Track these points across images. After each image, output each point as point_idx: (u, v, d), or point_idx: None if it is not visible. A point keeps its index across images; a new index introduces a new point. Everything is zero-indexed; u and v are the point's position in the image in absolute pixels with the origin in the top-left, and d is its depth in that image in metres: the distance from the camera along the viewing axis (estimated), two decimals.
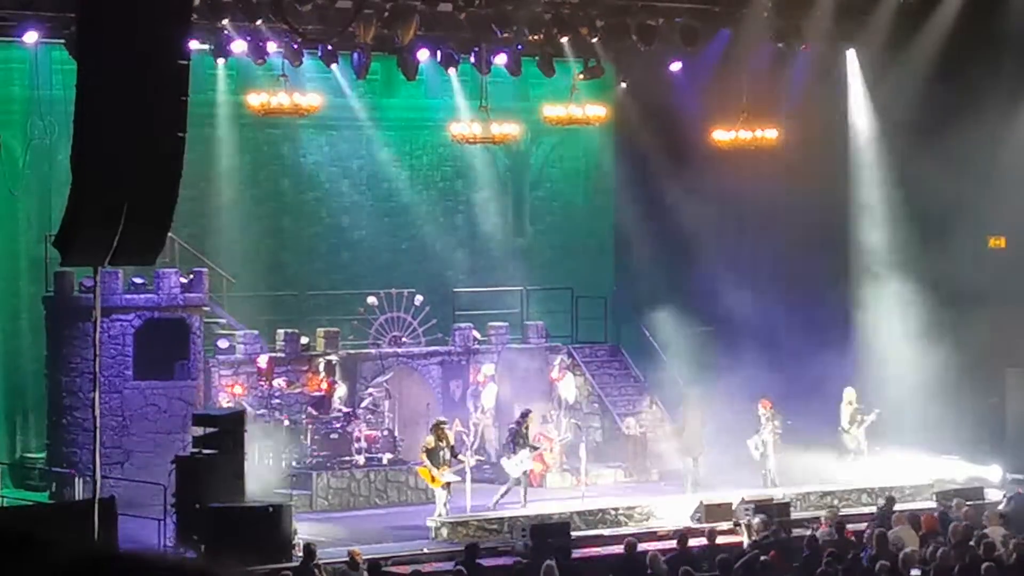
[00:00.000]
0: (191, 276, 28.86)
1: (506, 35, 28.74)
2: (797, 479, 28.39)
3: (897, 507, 24.88)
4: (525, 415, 27.42)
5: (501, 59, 29.42)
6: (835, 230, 32.35)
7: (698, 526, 24.77)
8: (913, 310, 30.49)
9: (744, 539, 23.50)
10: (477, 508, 25.53)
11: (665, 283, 32.79)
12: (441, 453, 25.36)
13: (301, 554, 21.57)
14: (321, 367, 29.26)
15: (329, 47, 27.75)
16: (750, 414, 28.96)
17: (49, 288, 28.52)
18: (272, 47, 27.56)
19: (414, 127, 34.36)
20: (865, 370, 30.74)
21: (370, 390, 29.45)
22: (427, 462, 25.29)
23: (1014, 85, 30.07)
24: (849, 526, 23.57)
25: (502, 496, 26.43)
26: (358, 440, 28.45)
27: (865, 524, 24.04)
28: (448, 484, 25.23)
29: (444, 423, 26.16)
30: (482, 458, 28.37)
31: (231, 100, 30.78)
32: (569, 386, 30.97)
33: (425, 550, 23.77)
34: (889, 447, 29.54)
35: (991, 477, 29.11)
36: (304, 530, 23.48)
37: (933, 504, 26.17)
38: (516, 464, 26.67)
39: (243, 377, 29.02)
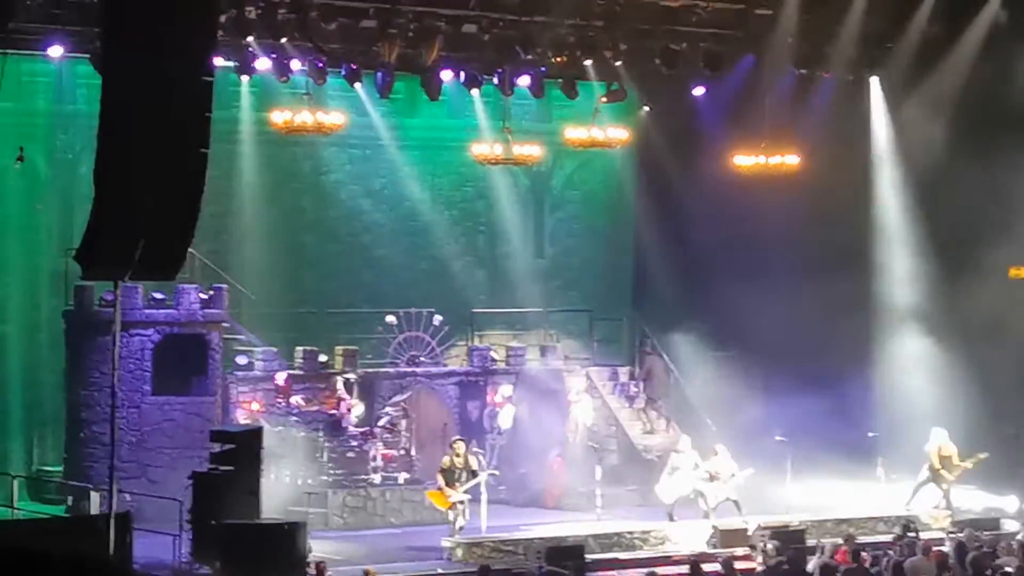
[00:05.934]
0: (211, 292, 28.93)
1: (530, 57, 28.76)
2: (814, 506, 28.29)
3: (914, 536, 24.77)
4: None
5: (524, 81, 29.45)
6: (856, 257, 32.25)
7: (713, 551, 24.71)
8: (933, 339, 30.41)
9: (759, 565, 23.41)
10: (493, 529, 25.50)
11: (684, 307, 32.74)
12: (456, 472, 25.33)
13: (314, 572, 21.54)
14: (339, 385, 29.29)
15: (353, 66, 27.81)
16: (767, 441, 28.85)
17: (70, 302, 28.60)
18: (296, 65, 27.61)
19: (436, 147, 34.39)
20: (884, 397, 30.65)
21: (387, 409, 29.46)
22: (440, 482, 25.24)
23: None
24: (863, 554, 23.44)
25: None
26: (375, 459, 28.47)
27: (880, 552, 23.91)
28: (456, 504, 25.13)
29: (460, 441, 26.13)
30: (497, 472, 28.36)
31: (255, 117, 30.85)
32: (586, 408, 30.94)
33: (440, 570, 23.75)
34: (906, 476, 29.46)
35: (1008, 507, 29.01)
36: (319, 548, 23.45)
37: (949, 534, 26.07)
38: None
39: (261, 394, 29.08)
